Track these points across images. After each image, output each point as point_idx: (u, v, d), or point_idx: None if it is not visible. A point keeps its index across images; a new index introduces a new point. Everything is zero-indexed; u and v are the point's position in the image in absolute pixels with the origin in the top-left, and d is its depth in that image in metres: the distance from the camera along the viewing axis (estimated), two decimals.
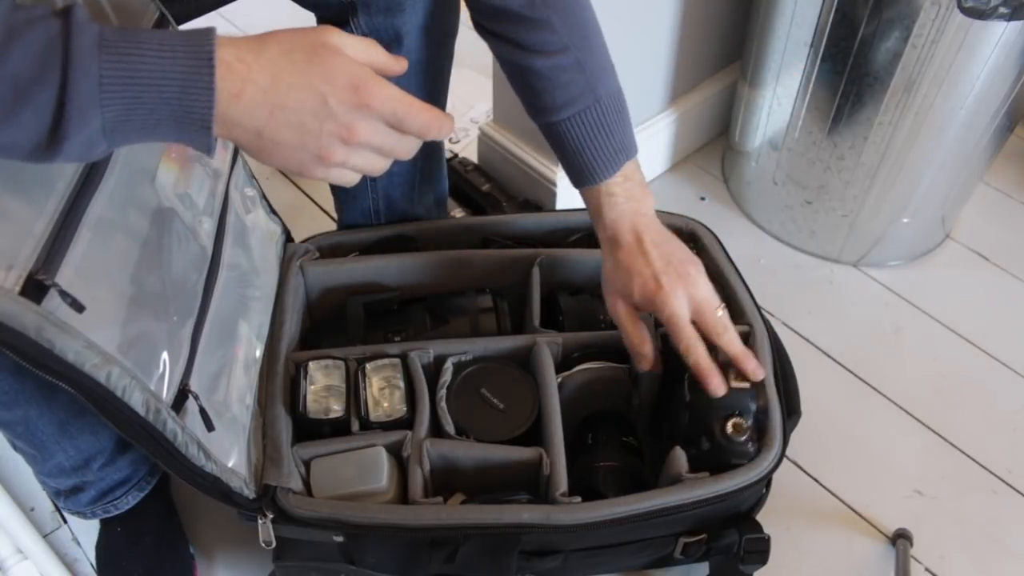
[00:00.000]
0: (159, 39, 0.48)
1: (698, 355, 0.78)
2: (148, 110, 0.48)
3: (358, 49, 0.54)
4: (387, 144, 0.56)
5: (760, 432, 0.81)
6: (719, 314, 0.79)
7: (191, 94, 0.48)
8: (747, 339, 0.90)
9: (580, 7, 0.76)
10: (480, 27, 0.77)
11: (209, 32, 0.49)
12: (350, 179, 0.57)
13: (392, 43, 0.83)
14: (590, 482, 0.84)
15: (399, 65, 0.57)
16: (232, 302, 0.82)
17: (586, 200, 0.83)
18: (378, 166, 0.58)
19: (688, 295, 0.78)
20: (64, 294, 0.56)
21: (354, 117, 0.53)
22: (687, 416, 0.81)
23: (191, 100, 0.48)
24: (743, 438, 0.78)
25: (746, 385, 0.80)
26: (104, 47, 0.46)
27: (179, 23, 0.73)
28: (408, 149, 0.58)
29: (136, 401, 0.62)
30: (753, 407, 0.80)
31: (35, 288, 0.54)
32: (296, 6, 0.84)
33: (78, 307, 0.56)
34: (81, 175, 0.62)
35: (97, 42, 0.46)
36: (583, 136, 0.78)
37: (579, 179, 0.81)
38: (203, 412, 0.70)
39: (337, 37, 0.54)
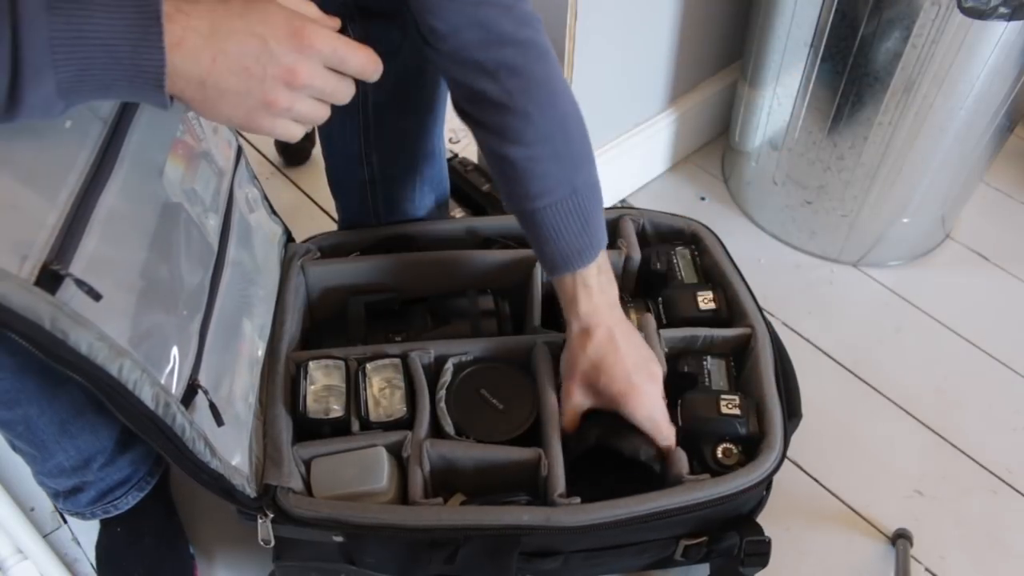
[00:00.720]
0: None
1: (672, 444, 0.82)
2: (100, 71, 0.49)
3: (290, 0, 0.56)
4: (328, 86, 0.57)
5: (757, 441, 0.82)
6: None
7: (142, 53, 0.49)
8: (748, 340, 0.90)
9: (559, 98, 0.75)
10: (461, 111, 0.77)
11: None
12: (294, 132, 0.58)
13: (391, 49, 0.82)
14: (590, 482, 0.84)
15: (332, 21, 0.58)
16: (236, 300, 0.82)
17: (559, 289, 0.82)
18: (320, 113, 0.58)
19: (659, 394, 0.82)
20: (80, 283, 0.56)
21: (296, 59, 0.54)
22: (679, 441, 0.82)
23: (142, 60, 0.49)
24: (732, 463, 0.81)
25: (737, 412, 0.83)
26: (53, 9, 0.46)
27: None
28: (347, 92, 0.58)
29: (146, 395, 0.62)
30: (743, 432, 0.82)
31: (50, 278, 0.55)
32: None
33: (95, 295, 0.57)
34: (91, 168, 0.62)
35: (46, 5, 0.46)
36: (560, 225, 0.77)
37: (553, 268, 0.80)
38: (212, 406, 0.71)
39: None
